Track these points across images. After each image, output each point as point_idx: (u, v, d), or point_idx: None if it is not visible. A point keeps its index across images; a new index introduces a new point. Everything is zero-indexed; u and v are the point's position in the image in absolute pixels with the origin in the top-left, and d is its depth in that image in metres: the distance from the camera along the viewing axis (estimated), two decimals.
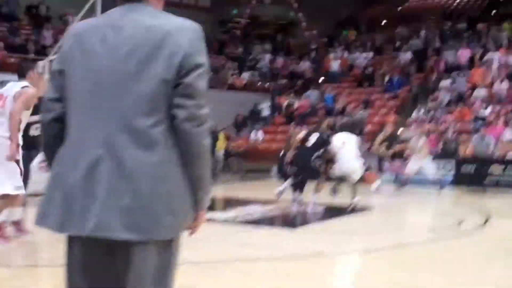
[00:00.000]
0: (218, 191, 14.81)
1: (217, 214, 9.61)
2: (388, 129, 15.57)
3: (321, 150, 11.16)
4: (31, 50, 20.04)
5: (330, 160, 11.27)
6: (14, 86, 6.73)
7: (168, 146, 2.05)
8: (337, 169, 11.24)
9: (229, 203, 12.53)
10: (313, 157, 11.04)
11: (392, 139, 17.18)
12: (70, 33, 2.19)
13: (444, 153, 17.72)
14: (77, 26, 2.22)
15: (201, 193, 2.16)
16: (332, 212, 10.91)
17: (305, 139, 11.55)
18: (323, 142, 11.28)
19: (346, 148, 11.17)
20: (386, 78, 24.29)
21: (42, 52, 20.16)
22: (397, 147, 17.22)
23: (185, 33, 2.08)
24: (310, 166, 11.03)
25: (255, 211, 10.33)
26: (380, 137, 14.82)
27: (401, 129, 20.36)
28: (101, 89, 2.03)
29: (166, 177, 2.04)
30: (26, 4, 24.02)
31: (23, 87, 6.62)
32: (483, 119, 19.42)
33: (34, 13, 23.55)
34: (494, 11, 31.33)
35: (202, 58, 2.09)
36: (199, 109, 2.07)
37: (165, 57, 2.01)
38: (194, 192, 2.12)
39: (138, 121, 2.00)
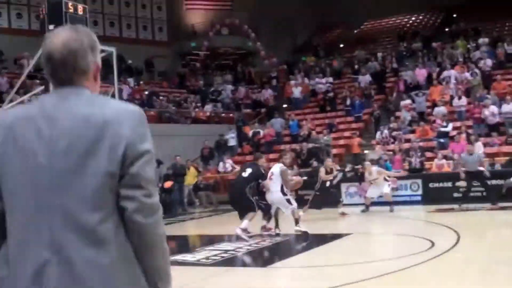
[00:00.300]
0: (189, 227, 14.74)
1: (188, 256, 9.50)
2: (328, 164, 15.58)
3: (253, 183, 11.35)
4: None
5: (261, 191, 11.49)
6: None
7: (120, 242, 1.90)
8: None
9: (201, 241, 12.39)
10: (246, 188, 11.22)
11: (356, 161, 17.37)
12: (1, 124, 2.00)
13: (410, 172, 17.94)
14: (8, 116, 2.01)
15: (162, 285, 2.02)
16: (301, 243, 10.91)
17: (242, 170, 11.79)
18: (258, 175, 11.43)
19: (273, 180, 11.35)
20: (348, 102, 24.53)
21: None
22: (360, 169, 17.44)
23: (126, 120, 1.94)
24: (243, 197, 11.19)
25: (227, 249, 10.19)
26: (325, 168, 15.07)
27: (366, 151, 20.65)
28: (41, 187, 1.89)
29: (121, 279, 1.89)
30: None
31: None
32: (446, 135, 19.76)
33: None
34: (447, 29, 32.11)
35: (147, 144, 1.96)
36: (150, 198, 1.92)
37: (107, 150, 1.88)
38: (154, 286, 1.98)
39: (85, 218, 1.86)
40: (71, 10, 11.52)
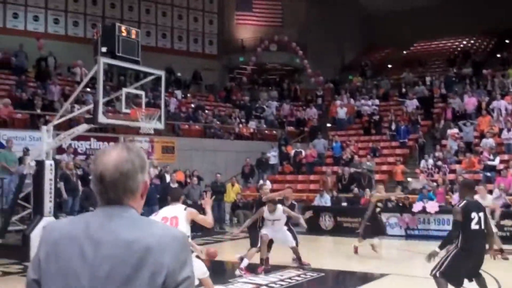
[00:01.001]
0: (226, 250, 14.64)
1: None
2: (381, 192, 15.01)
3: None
4: (38, 106, 20.13)
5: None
6: None
7: None
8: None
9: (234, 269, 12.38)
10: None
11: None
12: (46, 239, 2.05)
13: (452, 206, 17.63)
14: (53, 233, 2.06)
15: None
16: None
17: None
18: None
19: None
20: (393, 126, 24.32)
21: (50, 107, 20.32)
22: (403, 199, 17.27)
23: (168, 247, 1.97)
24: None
25: (260, 283, 10.15)
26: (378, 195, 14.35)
27: (409, 179, 20.42)
28: None
29: None
30: (36, 57, 24.31)
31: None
32: (493, 169, 19.36)
33: (42, 67, 23.74)
34: (498, 55, 31.50)
35: (187, 270, 1.99)
36: None
37: (147, 277, 1.92)
38: None
39: None
40: (124, 34, 11.76)
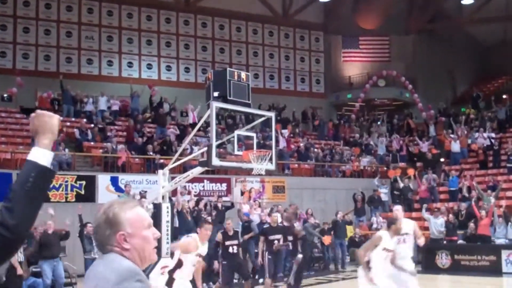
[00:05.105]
0: None
1: None
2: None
3: None
4: (152, 149, 20.97)
5: None
6: None
7: None
8: None
9: None
10: None
11: None
12: None
13: None
14: None
15: None
16: None
17: None
18: None
19: None
20: (510, 159, 23.29)
21: (163, 151, 21.07)
22: None
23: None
24: None
25: None
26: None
27: None
28: None
29: None
30: (148, 103, 25.53)
31: None
32: None
33: (159, 112, 24.87)
34: None
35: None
36: None
37: None
38: None
39: None
40: (235, 78, 12.17)
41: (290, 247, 13.40)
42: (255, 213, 17.32)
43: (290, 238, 13.21)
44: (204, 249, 9.16)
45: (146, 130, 23.35)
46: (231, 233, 12.65)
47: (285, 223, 13.79)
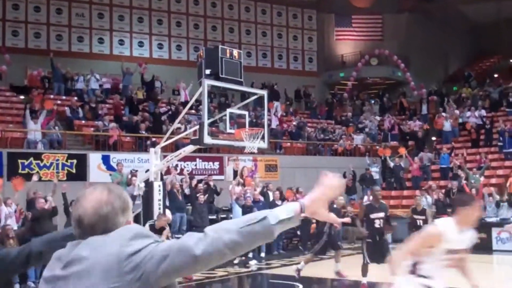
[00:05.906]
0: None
1: None
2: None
3: None
4: (145, 128, 20.85)
5: None
6: None
7: None
8: None
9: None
10: None
11: None
12: None
13: None
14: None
15: None
16: None
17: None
18: None
19: None
20: (501, 138, 23.38)
21: (155, 129, 20.94)
22: None
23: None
24: None
25: None
26: None
27: None
28: None
29: None
30: (140, 81, 25.29)
31: None
32: None
33: (151, 89, 24.68)
34: None
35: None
36: None
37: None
38: None
39: None
40: (227, 56, 12.12)
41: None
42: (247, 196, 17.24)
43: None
44: None
45: (139, 108, 23.07)
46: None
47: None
